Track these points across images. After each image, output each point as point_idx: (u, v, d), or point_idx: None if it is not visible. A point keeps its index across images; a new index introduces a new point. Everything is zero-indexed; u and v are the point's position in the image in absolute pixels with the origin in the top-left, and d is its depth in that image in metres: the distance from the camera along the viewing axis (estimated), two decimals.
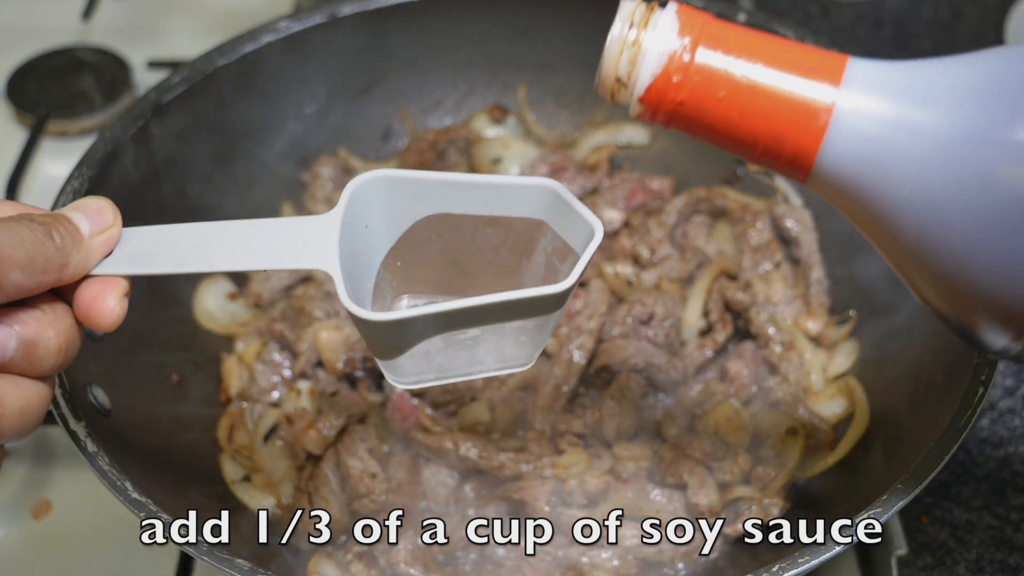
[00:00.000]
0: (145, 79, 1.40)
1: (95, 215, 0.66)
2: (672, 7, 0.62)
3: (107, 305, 0.65)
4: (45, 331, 0.63)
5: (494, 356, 0.70)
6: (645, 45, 0.60)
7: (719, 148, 0.63)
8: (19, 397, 0.62)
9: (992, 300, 0.57)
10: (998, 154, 0.55)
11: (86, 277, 0.66)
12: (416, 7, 1.16)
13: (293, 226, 0.68)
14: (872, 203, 0.59)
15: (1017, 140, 0.54)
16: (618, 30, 0.61)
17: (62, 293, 0.66)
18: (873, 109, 0.58)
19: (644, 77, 0.61)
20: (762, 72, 0.59)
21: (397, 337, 0.66)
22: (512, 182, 0.69)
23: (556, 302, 0.65)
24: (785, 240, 1.11)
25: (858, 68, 0.59)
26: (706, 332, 1.05)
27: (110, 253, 0.67)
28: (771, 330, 1.03)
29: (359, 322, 0.64)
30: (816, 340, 1.05)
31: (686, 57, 0.60)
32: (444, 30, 1.19)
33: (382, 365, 0.70)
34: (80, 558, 0.99)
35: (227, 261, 0.67)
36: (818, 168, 0.59)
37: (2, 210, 0.65)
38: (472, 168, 1.21)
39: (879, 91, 0.58)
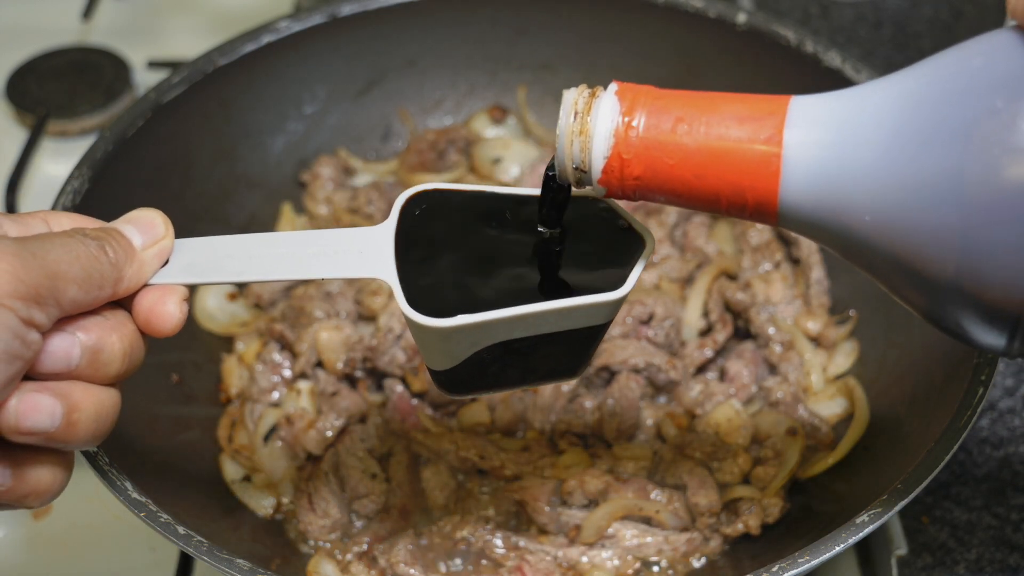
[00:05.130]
0: (145, 79, 1.40)
1: (147, 227, 0.66)
2: (612, 88, 0.63)
3: (167, 311, 0.65)
4: (108, 336, 0.63)
5: (546, 365, 0.71)
6: (591, 131, 0.62)
7: (690, 209, 0.64)
8: (93, 401, 0.62)
9: (972, 303, 0.58)
10: (942, 163, 0.56)
11: (144, 286, 0.66)
12: (416, 7, 1.16)
13: (347, 237, 0.69)
14: (841, 232, 0.60)
15: (955, 148, 0.56)
16: (564, 121, 0.63)
17: (122, 302, 0.66)
18: (819, 144, 0.59)
19: (598, 161, 0.63)
20: (706, 133, 0.61)
21: (456, 344, 0.66)
22: None
23: (612, 309, 0.67)
24: (785, 240, 1.11)
25: (800, 107, 0.61)
26: (706, 332, 1.05)
27: (165, 264, 0.67)
28: (771, 330, 1.03)
29: (418, 329, 0.65)
30: (816, 340, 1.05)
31: (632, 134, 0.62)
32: (444, 30, 1.19)
33: (434, 377, 0.71)
34: (80, 558, 0.99)
35: (284, 271, 0.68)
36: (783, 210, 0.61)
37: (58, 222, 0.65)
38: (472, 168, 1.21)
39: (822, 126, 0.60)
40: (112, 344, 0.63)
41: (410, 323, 0.65)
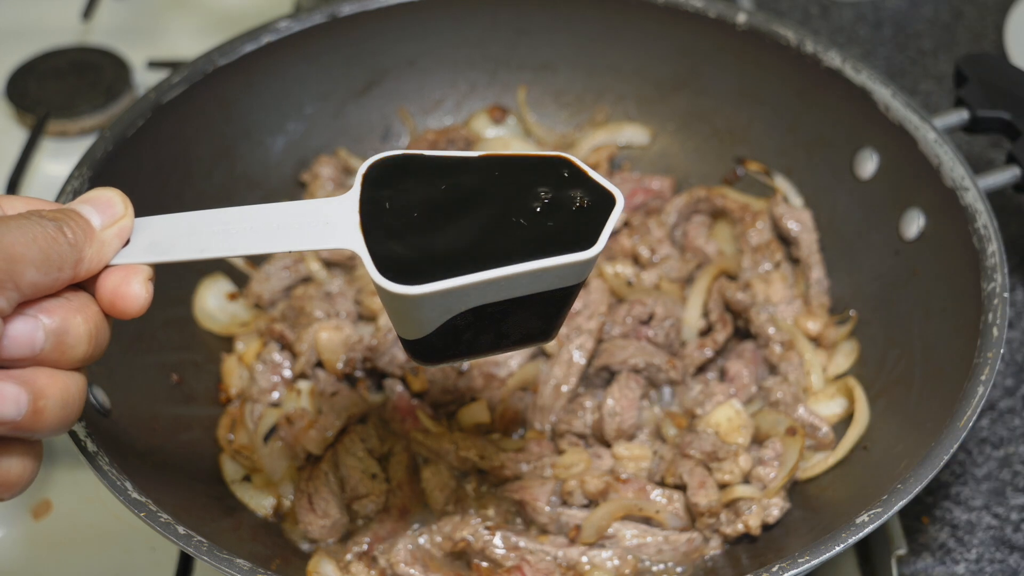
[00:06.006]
0: (145, 79, 1.40)
1: (105, 207, 0.65)
2: None
3: (132, 291, 0.64)
4: (72, 318, 0.61)
5: (519, 330, 0.70)
6: None
7: None
8: (59, 388, 0.61)
9: None
10: None
11: (106, 267, 0.64)
12: (416, 7, 1.16)
13: (313, 208, 0.68)
14: None
15: None
16: None
17: (85, 286, 0.64)
18: None
19: None
20: None
21: (428, 311, 0.65)
22: (526, 158, 0.70)
23: (585, 268, 0.66)
24: (785, 240, 1.11)
25: None
26: (706, 332, 1.05)
27: (127, 243, 0.66)
28: (771, 330, 1.03)
29: (389, 298, 0.64)
30: (816, 340, 1.05)
31: None
32: (444, 30, 1.19)
33: (407, 346, 0.70)
34: (80, 558, 0.99)
35: (249, 245, 0.66)
36: None
37: (12, 205, 0.64)
38: None
39: None
40: (77, 326, 0.62)
41: (381, 292, 0.64)
